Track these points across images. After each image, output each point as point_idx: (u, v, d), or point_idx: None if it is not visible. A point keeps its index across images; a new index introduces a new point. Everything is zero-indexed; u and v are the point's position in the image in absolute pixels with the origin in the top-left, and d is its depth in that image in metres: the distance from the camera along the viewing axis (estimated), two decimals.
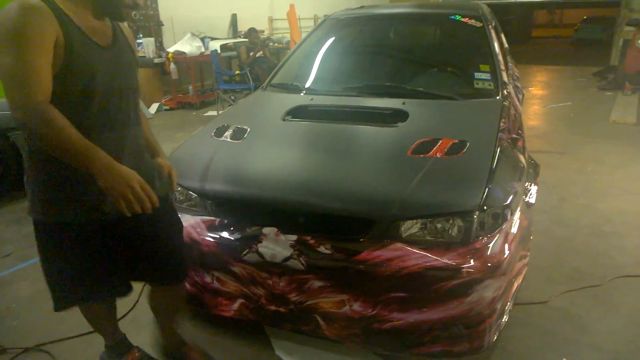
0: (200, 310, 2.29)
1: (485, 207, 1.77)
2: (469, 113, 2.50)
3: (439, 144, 2.11)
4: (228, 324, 2.23)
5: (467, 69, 2.97)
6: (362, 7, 3.74)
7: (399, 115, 2.42)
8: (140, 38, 7.99)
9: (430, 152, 2.05)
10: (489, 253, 1.75)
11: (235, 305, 2.00)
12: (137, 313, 2.42)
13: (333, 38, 3.46)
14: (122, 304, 2.46)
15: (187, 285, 2.09)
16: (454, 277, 1.71)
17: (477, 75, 2.80)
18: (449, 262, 1.71)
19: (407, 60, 3.31)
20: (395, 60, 3.32)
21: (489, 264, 1.74)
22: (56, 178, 1.44)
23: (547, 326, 2.29)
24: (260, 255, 1.85)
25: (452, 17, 3.23)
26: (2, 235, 3.33)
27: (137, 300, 2.50)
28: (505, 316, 1.95)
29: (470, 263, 1.71)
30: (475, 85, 2.78)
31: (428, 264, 1.71)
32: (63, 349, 2.18)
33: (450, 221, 1.78)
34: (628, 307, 2.43)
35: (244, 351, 2.14)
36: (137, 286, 2.60)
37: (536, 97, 8.39)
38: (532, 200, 2.32)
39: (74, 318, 2.40)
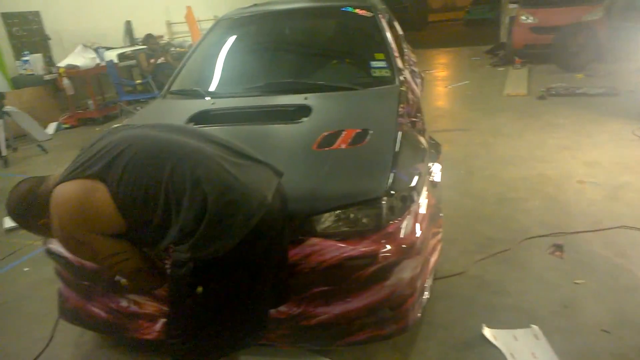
0: None
1: (392, 192, 1.81)
2: (369, 102, 2.55)
3: (342, 135, 2.13)
4: None
5: (364, 58, 3.03)
6: (254, 5, 3.68)
7: (302, 111, 2.42)
8: (25, 55, 7.35)
9: (335, 144, 2.06)
10: (401, 235, 1.80)
11: None
12: None
13: (229, 39, 3.37)
14: None
15: None
16: (372, 264, 1.74)
17: (374, 64, 2.87)
18: (365, 249, 1.74)
19: (306, 55, 3.31)
20: (294, 56, 3.32)
21: (403, 246, 1.78)
22: None
23: (467, 295, 2.40)
24: None
25: (344, 9, 3.28)
26: None
27: None
28: (426, 292, 2.02)
29: (385, 248, 1.75)
30: (373, 74, 2.84)
31: (345, 254, 1.73)
32: None
33: (362, 210, 1.80)
34: (537, 266, 2.61)
35: None
36: None
37: (439, 79, 8.82)
38: (437, 178, 2.42)
39: None
